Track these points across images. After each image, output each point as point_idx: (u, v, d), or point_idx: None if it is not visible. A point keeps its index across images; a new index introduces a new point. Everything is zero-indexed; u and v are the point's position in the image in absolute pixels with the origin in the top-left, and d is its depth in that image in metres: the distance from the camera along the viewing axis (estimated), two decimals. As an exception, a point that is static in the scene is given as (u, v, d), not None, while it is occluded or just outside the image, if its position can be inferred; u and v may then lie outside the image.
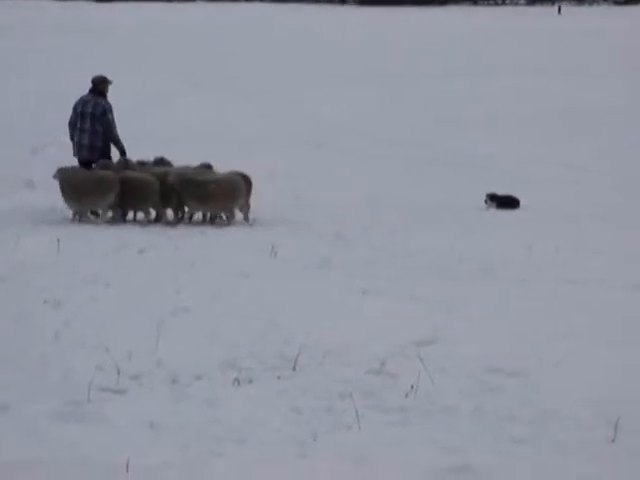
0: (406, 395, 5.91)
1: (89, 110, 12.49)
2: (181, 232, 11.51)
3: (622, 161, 19.00)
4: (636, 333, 7.39)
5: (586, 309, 8.10)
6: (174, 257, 9.84)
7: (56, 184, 11.97)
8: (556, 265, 10.07)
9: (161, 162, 12.69)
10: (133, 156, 12.65)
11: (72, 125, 12.69)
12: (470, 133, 22.69)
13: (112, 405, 5.65)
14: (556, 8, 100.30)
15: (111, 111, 12.56)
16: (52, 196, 12.40)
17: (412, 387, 5.98)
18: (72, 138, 12.72)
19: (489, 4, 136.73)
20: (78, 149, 12.64)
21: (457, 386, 6.08)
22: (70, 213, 12.10)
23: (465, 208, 13.96)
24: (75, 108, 12.65)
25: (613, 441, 5.23)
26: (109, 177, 11.84)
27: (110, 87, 12.67)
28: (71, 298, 7.94)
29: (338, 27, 67.05)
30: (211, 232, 11.59)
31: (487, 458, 4.99)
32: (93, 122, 12.47)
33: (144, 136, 18.71)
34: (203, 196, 11.91)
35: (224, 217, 12.19)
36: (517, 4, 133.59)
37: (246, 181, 12.29)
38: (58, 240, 10.04)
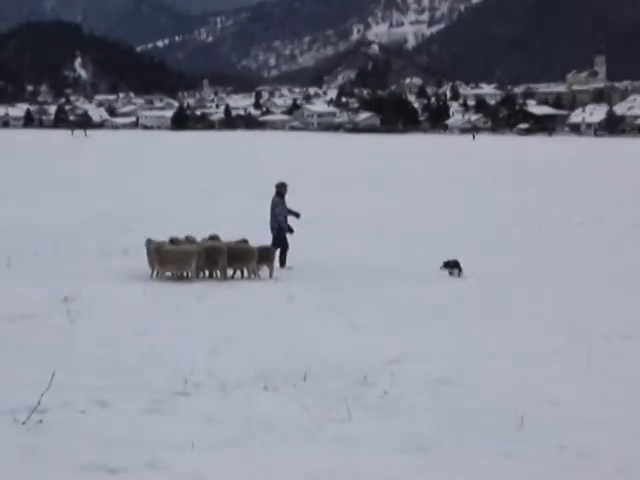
0: (382, 397, 5.98)
1: (272, 207, 13.35)
2: (228, 284, 11.51)
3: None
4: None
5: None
6: (223, 302, 9.83)
7: (144, 251, 12.04)
8: (489, 304, 10.09)
9: (214, 238, 12.75)
10: (193, 233, 12.63)
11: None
12: (431, 218, 22.68)
13: (181, 402, 5.73)
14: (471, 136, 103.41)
15: (277, 205, 13.26)
16: (142, 261, 12.32)
17: (385, 392, 6.05)
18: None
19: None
20: (271, 230, 13.37)
21: (416, 391, 6.15)
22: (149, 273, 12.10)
23: (424, 270, 13.78)
24: (270, 204, 13.46)
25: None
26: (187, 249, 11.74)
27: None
28: (153, 329, 8.00)
29: (336, 152, 67.10)
30: (243, 285, 11.47)
31: (440, 432, 5.13)
32: (272, 215, 13.33)
33: (204, 220, 18.83)
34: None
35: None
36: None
37: (271, 251, 12.50)
38: (144, 291, 10.18)
